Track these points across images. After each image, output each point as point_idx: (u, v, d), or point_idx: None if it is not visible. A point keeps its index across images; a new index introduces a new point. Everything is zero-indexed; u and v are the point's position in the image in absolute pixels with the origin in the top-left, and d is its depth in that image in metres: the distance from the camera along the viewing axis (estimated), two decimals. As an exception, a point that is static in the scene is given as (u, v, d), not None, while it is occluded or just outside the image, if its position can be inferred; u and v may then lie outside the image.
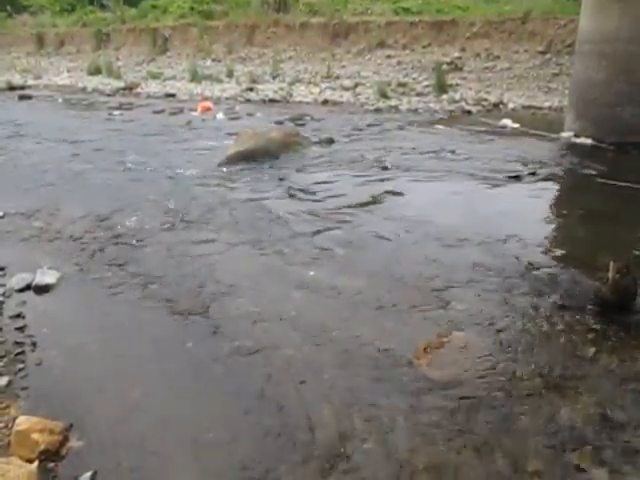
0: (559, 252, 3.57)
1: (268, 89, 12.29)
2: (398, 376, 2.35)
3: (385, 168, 5.69)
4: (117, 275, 3.34)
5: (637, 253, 3.47)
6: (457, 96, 10.43)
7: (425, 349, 2.50)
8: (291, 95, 11.70)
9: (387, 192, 4.83)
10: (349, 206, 4.47)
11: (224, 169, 5.73)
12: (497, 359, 2.44)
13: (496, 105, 9.88)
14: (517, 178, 5.24)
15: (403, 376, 2.35)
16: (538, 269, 3.28)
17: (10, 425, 2.09)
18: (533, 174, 5.36)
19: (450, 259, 3.42)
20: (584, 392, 2.23)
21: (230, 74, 13.81)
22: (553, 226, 4.19)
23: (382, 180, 5.26)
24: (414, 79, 11.64)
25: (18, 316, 2.91)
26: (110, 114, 9.97)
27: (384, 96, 10.75)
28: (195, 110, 10.05)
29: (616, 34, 6.37)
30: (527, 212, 4.36)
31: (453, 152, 6.34)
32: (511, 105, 9.82)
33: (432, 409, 2.16)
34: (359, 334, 2.65)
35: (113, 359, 2.54)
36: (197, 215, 4.31)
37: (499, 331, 2.64)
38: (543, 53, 11.09)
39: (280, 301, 2.97)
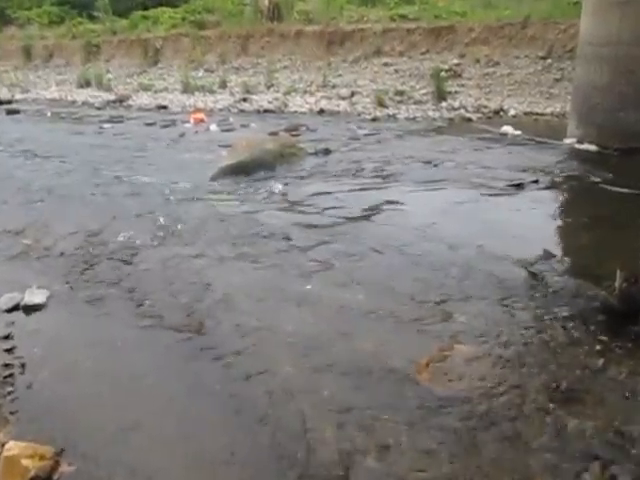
0: (564, 261, 3.58)
1: (262, 99, 12.37)
2: (399, 392, 2.34)
3: (384, 178, 5.72)
4: (108, 293, 3.34)
5: (644, 261, 3.48)
6: (456, 103, 10.50)
7: (427, 363, 2.50)
8: (286, 105, 11.77)
9: (386, 203, 4.85)
10: (347, 218, 4.49)
11: (217, 182, 5.76)
12: (502, 373, 2.44)
13: (497, 112, 9.94)
14: (519, 186, 5.27)
15: (404, 392, 2.34)
16: (543, 279, 3.29)
17: (-1, 450, 2.08)
18: (536, 182, 5.39)
19: (452, 270, 3.43)
20: (593, 406, 2.23)
21: (223, 85, 13.91)
22: (557, 235, 4.21)
23: (381, 190, 5.28)
24: (412, 87, 11.72)
25: (7, 337, 2.90)
26: (100, 127, 10.02)
27: (381, 105, 10.82)
28: (188, 122, 10.11)
29: (618, 37, 6.43)
30: (530, 221, 4.38)
31: (453, 161, 6.37)
32: (512, 112, 9.89)
33: (435, 426, 2.16)
34: (358, 349, 2.65)
35: (105, 380, 2.54)
36: (190, 230, 4.33)
37: (504, 344, 2.64)
38: (544, 58, 11.18)
39: (277, 316, 2.98)
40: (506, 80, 11.18)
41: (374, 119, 10.04)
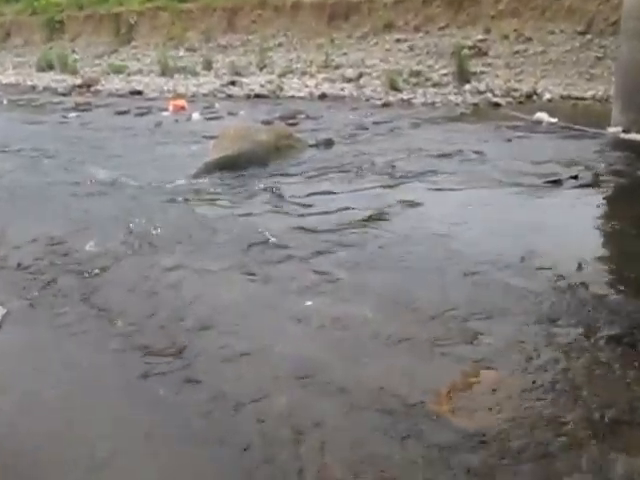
0: (609, 272, 3.59)
1: (254, 82, 12.43)
2: (415, 426, 2.35)
3: (396, 175, 5.74)
4: (74, 310, 3.35)
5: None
6: (482, 86, 10.54)
7: (448, 393, 2.50)
8: (282, 89, 11.83)
9: (399, 204, 4.87)
10: (354, 222, 4.51)
11: (201, 180, 5.79)
12: (537, 403, 2.44)
13: (529, 96, 9.97)
14: (556, 183, 5.28)
15: (422, 426, 2.34)
16: (584, 293, 3.29)
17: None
18: (575, 178, 5.40)
19: (477, 283, 3.44)
20: (642, 441, 2.23)
21: (208, 66, 13.98)
22: (601, 241, 4.21)
23: (393, 189, 5.31)
24: (430, 67, 11.77)
25: (-45, 363, 2.92)
26: (65, 117, 10.08)
27: (394, 88, 10.86)
28: (166, 110, 10.16)
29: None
30: (569, 224, 4.38)
31: (478, 153, 6.39)
32: (547, 95, 9.92)
33: (458, 466, 2.16)
34: (367, 376, 2.66)
35: (71, 411, 2.55)
36: (169, 237, 4.35)
37: (539, 368, 2.64)
38: (583, 33, 11.22)
39: (271, 337, 2.99)
40: (539, 59, 11.21)
41: (385, 105, 10.07)
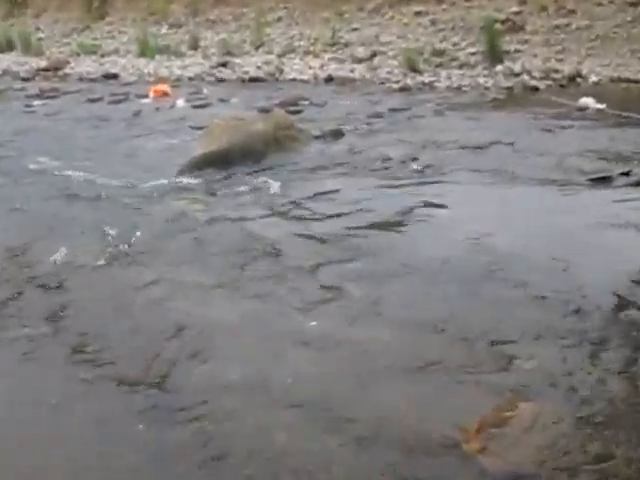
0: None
1: (249, 64, 12.47)
2: (439, 469, 2.34)
3: (417, 172, 5.75)
4: (37, 332, 3.35)
5: None
6: (517, 67, 10.54)
7: (478, 429, 2.49)
8: (281, 71, 11.87)
9: (420, 206, 4.87)
10: (366, 227, 4.51)
11: (186, 179, 5.81)
12: (582, 440, 2.42)
13: (572, 78, 9.96)
14: (604, 180, 5.27)
15: (446, 469, 2.33)
16: (637, 312, 3.27)
17: None
18: (627, 175, 5.39)
19: (512, 298, 3.43)
20: None
21: (195, 45, 14.03)
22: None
23: (413, 189, 5.31)
24: (455, 45, 11.78)
25: None
26: (28, 105, 10.12)
27: (413, 69, 10.88)
28: (146, 96, 10.20)
29: None
30: (620, 229, 4.37)
31: (513, 146, 6.40)
32: (593, 77, 9.91)
33: (490, 516, 2.15)
34: (382, 409, 2.65)
35: (35, 449, 2.54)
36: (149, 246, 4.36)
37: (585, 400, 2.63)
38: (635, 4, 11.22)
39: (268, 365, 2.98)
40: (584, 35, 11.21)
41: (403, 89, 10.08)
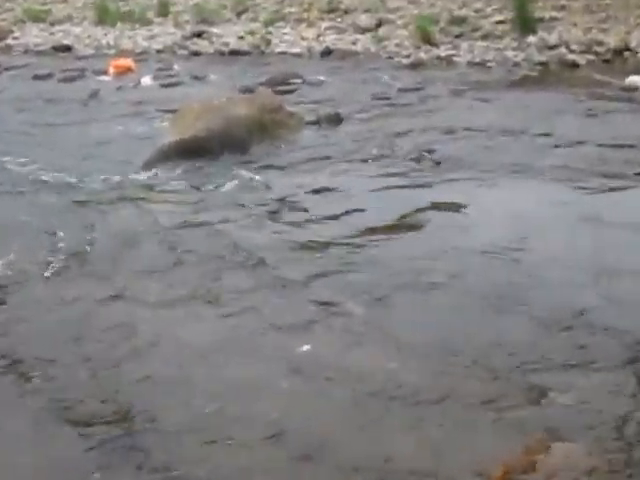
0: None
1: (229, 34, 12.44)
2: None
3: (432, 164, 5.76)
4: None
5: None
6: (552, 38, 10.54)
7: (505, 474, 2.50)
8: (269, 43, 11.85)
9: (435, 206, 4.89)
10: (369, 231, 4.51)
11: (154, 172, 5.81)
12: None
13: (618, 52, 9.96)
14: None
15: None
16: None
17: None
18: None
19: (543, 319, 3.44)
20: None
21: (164, 11, 14.01)
22: None
23: (426, 185, 5.33)
24: (478, 11, 11.79)
25: None
26: (-38, 83, 10.12)
27: (427, 41, 10.86)
28: (105, 73, 10.17)
29: None
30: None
31: (547, 134, 6.40)
32: (644, 51, 9.94)
33: None
34: (390, 451, 2.65)
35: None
36: (108, 253, 4.36)
37: (630, 440, 2.64)
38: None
39: (250, 396, 2.98)
40: (633, 0, 11.24)
41: (415, 65, 10.07)
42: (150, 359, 3.29)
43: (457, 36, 11.13)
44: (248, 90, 8.39)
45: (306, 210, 4.94)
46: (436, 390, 2.98)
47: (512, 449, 2.61)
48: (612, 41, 10.27)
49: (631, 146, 6.00)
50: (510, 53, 10.24)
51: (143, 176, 5.78)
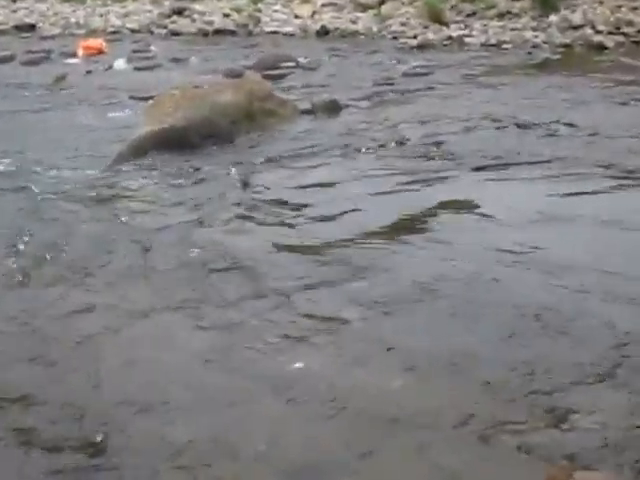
0: None
1: (213, 10, 12.48)
2: None
3: (440, 158, 5.79)
4: None
5: None
6: (576, 18, 10.58)
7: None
8: (258, 21, 11.89)
9: (444, 205, 4.91)
10: (369, 234, 4.53)
11: (127, 167, 5.83)
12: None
13: (649, 33, 10.02)
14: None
15: None
16: None
17: None
18: None
19: (568, 333, 3.46)
20: None
21: (140, -16, 14.08)
22: None
23: (433, 183, 5.35)
24: (494, -14, 11.84)
25: None
26: None
27: (436, 20, 10.91)
28: (74, 55, 10.20)
29: None
30: None
31: (572, 124, 6.43)
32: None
33: None
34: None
35: None
36: (75, 260, 4.36)
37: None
38: None
39: (236, 421, 2.98)
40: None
41: (423, 46, 10.10)
42: (122, 378, 3.29)
43: (470, 14, 11.19)
44: (234, 74, 8.40)
45: (297, 210, 4.96)
46: (444, 413, 2.99)
47: (534, 475, 2.62)
48: (642, 21, 10.33)
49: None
50: (529, 34, 10.30)
51: (115, 171, 5.78)
